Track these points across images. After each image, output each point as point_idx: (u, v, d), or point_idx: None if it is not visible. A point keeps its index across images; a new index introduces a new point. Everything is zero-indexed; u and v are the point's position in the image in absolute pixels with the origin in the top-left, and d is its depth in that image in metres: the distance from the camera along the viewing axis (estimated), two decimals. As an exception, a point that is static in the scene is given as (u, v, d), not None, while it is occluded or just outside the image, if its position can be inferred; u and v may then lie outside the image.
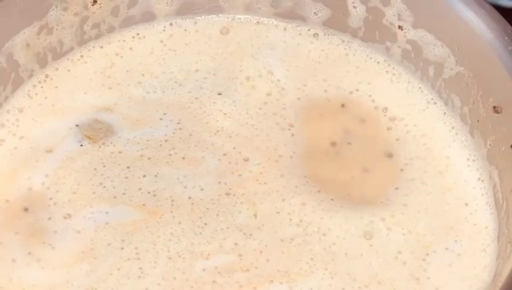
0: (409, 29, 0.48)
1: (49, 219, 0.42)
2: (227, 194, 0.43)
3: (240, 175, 0.44)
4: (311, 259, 0.41)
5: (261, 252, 0.41)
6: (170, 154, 0.44)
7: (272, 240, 0.41)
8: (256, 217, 0.42)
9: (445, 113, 0.48)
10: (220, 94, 0.47)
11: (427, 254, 0.42)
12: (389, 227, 0.43)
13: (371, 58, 0.50)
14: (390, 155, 0.46)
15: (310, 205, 0.43)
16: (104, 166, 0.44)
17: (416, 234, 0.42)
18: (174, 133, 0.45)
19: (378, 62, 0.50)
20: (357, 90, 0.48)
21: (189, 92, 0.47)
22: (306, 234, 0.42)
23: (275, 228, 0.42)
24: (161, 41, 0.50)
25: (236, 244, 0.41)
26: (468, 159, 0.46)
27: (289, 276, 0.40)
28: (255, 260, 0.41)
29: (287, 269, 0.40)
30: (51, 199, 0.43)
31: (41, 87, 0.47)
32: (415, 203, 0.44)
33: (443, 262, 0.42)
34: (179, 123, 0.46)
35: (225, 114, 0.46)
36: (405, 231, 0.43)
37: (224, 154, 0.45)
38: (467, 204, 0.44)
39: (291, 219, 0.42)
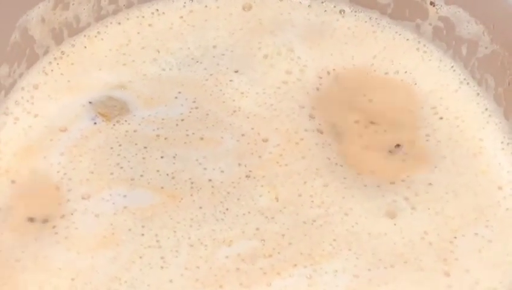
0: (441, 6, 0.47)
1: (68, 200, 0.41)
2: (248, 176, 0.42)
3: (260, 156, 0.43)
4: (334, 240, 0.40)
5: (283, 235, 0.40)
6: (187, 135, 0.43)
7: (294, 223, 0.40)
8: (277, 201, 0.41)
9: (478, 94, 0.46)
10: (236, 72, 0.46)
11: (455, 237, 0.41)
12: (414, 206, 0.41)
13: (400, 34, 0.48)
14: (421, 135, 0.44)
15: (332, 186, 0.42)
16: (120, 145, 0.43)
17: (445, 217, 0.41)
18: (190, 112, 0.44)
19: (407, 39, 0.48)
20: (385, 68, 0.47)
21: (205, 69, 0.46)
22: (328, 215, 0.41)
23: (296, 210, 0.41)
24: (181, 17, 0.49)
25: (258, 229, 0.40)
26: (502, 142, 0.44)
27: (313, 259, 0.39)
28: (277, 245, 0.40)
29: (310, 252, 0.40)
30: (66, 176, 0.42)
31: (57, 64, 0.47)
32: (443, 184, 0.43)
33: (472, 247, 0.41)
34: (194, 102, 0.45)
35: (242, 93, 0.45)
36: (431, 212, 0.41)
37: (243, 135, 0.44)
38: (500, 188, 0.43)
39: (312, 201, 0.41)
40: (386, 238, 0.40)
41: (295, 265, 0.39)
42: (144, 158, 0.43)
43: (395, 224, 0.41)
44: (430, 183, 0.42)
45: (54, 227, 0.40)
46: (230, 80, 0.46)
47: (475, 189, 0.43)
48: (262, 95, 0.45)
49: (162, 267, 0.39)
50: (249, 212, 0.41)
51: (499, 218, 0.42)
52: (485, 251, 0.41)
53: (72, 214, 0.41)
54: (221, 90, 0.45)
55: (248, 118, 0.44)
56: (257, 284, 0.39)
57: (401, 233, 0.41)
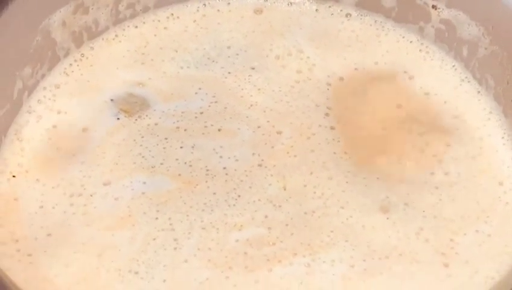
0: (442, 9, 0.49)
1: (87, 187, 0.44)
2: (260, 165, 0.45)
3: (273, 147, 0.46)
4: (332, 231, 0.42)
5: (286, 225, 0.43)
6: (206, 126, 0.46)
7: (297, 213, 0.43)
8: (285, 190, 0.44)
9: (479, 92, 0.48)
10: (253, 69, 0.49)
11: (456, 236, 0.43)
12: (407, 203, 0.43)
13: (403, 37, 0.50)
14: (424, 134, 0.46)
15: (335, 179, 0.44)
16: (142, 137, 0.46)
17: (443, 219, 0.43)
18: (209, 106, 0.47)
19: (411, 41, 0.50)
20: (390, 68, 0.49)
21: (222, 67, 0.49)
22: (326, 207, 0.43)
23: (300, 200, 0.44)
24: (194, 20, 0.51)
25: (266, 217, 0.43)
26: (503, 138, 0.46)
27: (312, 249, 0.42)
28: (281, 234, 0.42)
29: (310, 242, 0.42)
30: (87, 174, 0.44)
31: (78, 65, 0.49)
32: (443, 186, 0.44)
33: (473, 242, 0.42)
34: (214, 96, 0.48)
35: (259, 89, 0.48)
36: (426, 213, 0.43)
37: (259, 127, 0.46)
38: (501, 183, 0.45)
39: (315, 192, 0.44)
40: (380, 232, 0.42)
41: (295, 254, 0.41)
42: (164, 148, 0.45)
43: (387, 218, 0.43)
44: (429, 184, 0.44)
45: (71, 196, 0.43)
46: (249, 75, 0.49)
47: (476, 187, 0.44)
48: (279, 93, 0.48)
49: (175, 249, 0.42)
50: (259, 200, 0.43)
51: (499, 212, 0.44)
52: (485, 244, 0.42)
53: (91, 195, 0.43)
54: (239, 85, 0.48)
55: (264, 112, 0.47)
56: (260, 269, 0.41)
57: (395, 227, 0.43)
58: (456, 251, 0.42)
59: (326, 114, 0.47)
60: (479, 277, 0.41)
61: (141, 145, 0.45)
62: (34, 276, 0.40)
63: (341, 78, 0.49)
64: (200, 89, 0.48)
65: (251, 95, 0.48)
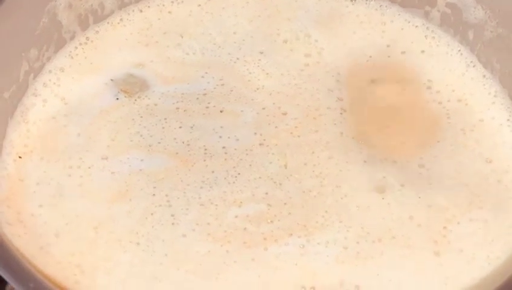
0: (449, -8, 0.49)
1: (84, 159, 0.44)
2: (261, 144, 0.45)
3: (276, 127, 0.46)
4: (326, 212, 0.42)
5: (285, 204, 0.43)
6: (207, 107, 0.46)
7: (296, 192, 0.43)
8: (286, 168, 0.44)
9: (484, 76, 0.48)
10: (261, 53, 0.49)
11: (449, 224, 0.42)
12: (403, 184, 0.43)
13: (409, 22, 0.50)
14: (430, 118, 0.47)
15: (335, 158, 0.44)
16: (141, 117, 0.46)
17: (438, 206, 0.43)
18: (214, 88, 0.47)
19: (416, 26, 0.50)
20: (395, 53, 0.49)
21: (229, 53, 0.49)
22: (321, 186, 0.43)
23: (300, 178, 0.44)
24: (199, 5, 0.51)
25: (267, 193, 0.43)
26: (508, 120, 0.46)
27: (307, 229, 0.42)
28: (279, 212, 0.42)
29: (306, 223, 0.42)
30: (84, 149, 0.45)
31: (82, 49, 0.49)
32: (440, 169, 0.44)
33: (467, 231, 0.42)
34: (221, 80, 0.48)
35: (267, 74, 0.48)
36: (421, 200, 0.43)
37: (263, 109, 0.46)
38: (490, 161, 0.45)
39: (313, 171, 0.44)
40: (374, 212, 0.42)
41: (291, 234, 0.42)
42: (163, 128, 0.46)
43: (383, 198, 0.43)
44: (427, 169, 0.44)
45: (70, 167, 0.43)
46: (259, 60, 0.49)
47: (470, 169, 0.44)
48: (287, 76, 0.48)
49: (173, 224, 0.42)
50: (260, 177, 0.44)
51: (495, 195, 0.43)
52: (481, 231, 0.42)
53: (89, 168, 0.44)
54: (248, 69, 0.48)
55: (271, 94, 0.47)
56: (256, 247, 0.41)
57: (389, 208, 0.42)
58: (448, 240, 0.42)
59: (335, 97, 0.47)
60: (478, 261, 0.41)
61: (140, 125, 0.46)
62: (33, 246, 0.41)
63: (348, 62, 0.49)
64: (206, 73, 0.48)
65: (259, 79, 0.48)
